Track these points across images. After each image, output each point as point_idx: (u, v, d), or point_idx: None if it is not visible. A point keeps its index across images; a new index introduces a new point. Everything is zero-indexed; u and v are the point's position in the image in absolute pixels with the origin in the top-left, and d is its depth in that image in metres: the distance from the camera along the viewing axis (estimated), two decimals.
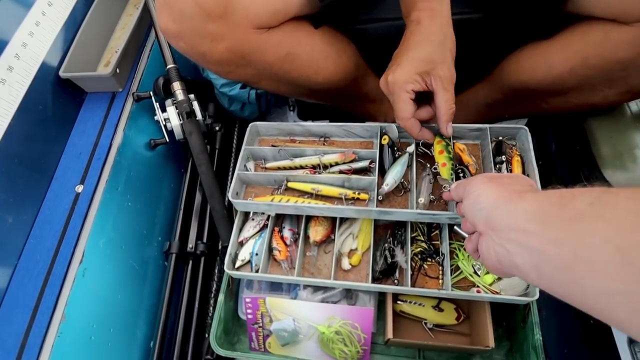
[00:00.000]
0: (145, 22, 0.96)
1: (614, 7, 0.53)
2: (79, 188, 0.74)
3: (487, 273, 0.63)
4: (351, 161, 0.69)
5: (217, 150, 0.96)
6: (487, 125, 0.65)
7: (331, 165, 0.70)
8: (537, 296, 0.58)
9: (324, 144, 0.74)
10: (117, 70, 0.84)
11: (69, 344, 0.63)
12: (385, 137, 0.67)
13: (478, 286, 0.62)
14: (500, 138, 0.66)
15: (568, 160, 0.69)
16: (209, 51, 0.61)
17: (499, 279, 0.62)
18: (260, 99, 1.00)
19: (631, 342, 0.56)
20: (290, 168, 0.71)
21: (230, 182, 0.74)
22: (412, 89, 0.54)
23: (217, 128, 0.96)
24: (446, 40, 0.54)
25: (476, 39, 0.58)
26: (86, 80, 0.84)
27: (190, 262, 0.88)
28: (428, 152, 0.67)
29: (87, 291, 0.68)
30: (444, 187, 0.61)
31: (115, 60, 0.83)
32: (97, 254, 0.72)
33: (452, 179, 0.61)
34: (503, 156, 0.63)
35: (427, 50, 0.53)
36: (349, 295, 0.72)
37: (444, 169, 0.62)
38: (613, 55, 0.55)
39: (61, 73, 0.80)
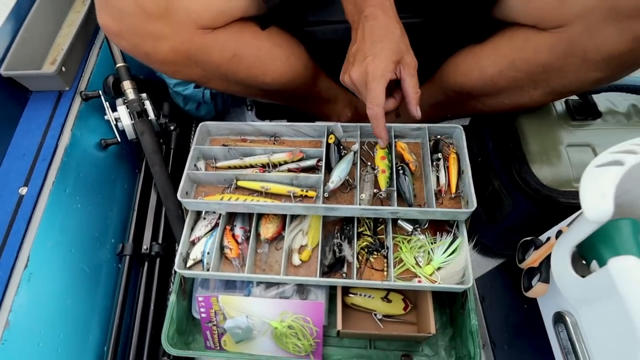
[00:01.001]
0: (94, 18, 0.93)
1: (532, 14, 0.58)
2: (23, 190, 0.72)
3: (428, 264, 0.66)
4: (299, 160, 0.70)
5: (172, 151, 0.95)
6: (426, 125, 0.69)
7: (280, 164, 0.71)
8: (471, 284, 0.62)
9: (274, 144, 0.75)
10: (63, 69, 0.82)
11: (14, 352, 0.61)
12: (332, 136, 0.70)
13: (419, 276, 0.66)
14: (438, 137, 0.70)
15: (502, 157, 0.73)
16: (153, 51, 0.61)
17: (439, 269, 0.66)
18: (216, 98, 1.00)
19: (555, 322, 0.61)
20: (241, 167, 0.72)
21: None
22: (390, 78, 0.57)
23: (172, 128, 0.95)
24: (403, 31, 0.59)
25: (417, 43, 0.61)
26: (30, 79, 0.81)
27: (146, 263, 0.87)
28: (371, 152, 0.70)
29: (33, 296, 0.66)
30: (380, 193, 0.64)
31: (60, 57, 0.81)
32: (43, 258, 0.70)
33: (391, 187, 0.65)
34: (439, 154, 0.67)
35: (394, 41, 0.57)
36: (301, 290, 0.74)
37: (383, 177, 0.65)
38: (534, 58, 0.60)
39: (2, 71, 0.77)
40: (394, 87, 0.61)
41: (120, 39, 0.61)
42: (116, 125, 0.87)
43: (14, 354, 0.61)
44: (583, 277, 0.44)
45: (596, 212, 0.36)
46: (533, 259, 0.64)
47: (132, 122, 0.85)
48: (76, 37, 0.85)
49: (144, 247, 0.87)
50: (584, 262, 0.48)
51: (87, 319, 0.79)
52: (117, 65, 0.86)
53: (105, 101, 0.85)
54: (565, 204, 0.66)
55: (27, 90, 0.84)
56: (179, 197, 0.66)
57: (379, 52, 0.56)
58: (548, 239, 0.62)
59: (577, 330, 0.55)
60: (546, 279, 0.61)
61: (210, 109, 1.02)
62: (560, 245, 0.48)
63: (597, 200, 0.36)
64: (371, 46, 0.57)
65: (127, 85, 0.85)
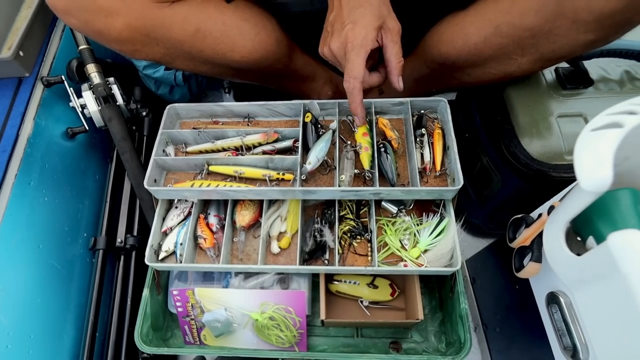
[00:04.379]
0: None
1: None
2: None
3: (414, 247, 0.63)
4: (274, 141, 0.66)
5: (145, 138, 0.90)
6: (409, 99, 0.65)
7: (254, 146, 0.67)
8: (459, 266, 0.59)
9: (248, 125, 0.71)
10: (21, 53, 0.76)
11: None
12: (308, 114, 0.65)
13: (405, 260, 0.62)
14: (422, 111, 0.66)
15: (490, 131, 0.69)
16: (106, 28, 0.56)
17: (425, 252, 0.62)
18: (189, 80, 0.94)
19: (549, 303, 0.58)
20: (212, 151, 0.68)
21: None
22: (372, 47, 0.53)
23: (144, 113, 0.90)
24: None
25: (399, 12, 0.56)
26: None
27: (122, 257, 0.83)
28: (351, 129, 0.66)
29: None
30: (367, 173, 0.60)
31: (17, 41, 0.75)
32: (8, 255, 0.67)
33: (373, 167, 0.61)
34: (423, 129, 0.63)
35: (374, 4, 0.53)
36: (282, 279, 0.70)
37: (365, 155, 0.61)
38: (521, 22, 0.55)
39: None
40: (378, 60, 0.57)
41: (69, 17, 0.56)
42: (82, 112, 0.82)
43: None
44: (579, 255, 0.40)
45: (593, 181, 0.32)
46: (524, 237, 0.61)
47: (99, 108, 0.80)
48: (33, 19, 0.79)
49: (118, 240, 0.82)
50: (578, 238, 0.44)
51: (60, 317, 0.75)
52: (80, 48, 0.81)
53: (70, 87, 0.80)
54: (557, 178, 0.63)
55: None
56: (145, 185, 0.62)
57: (359, 19, 0.52)
58: (539, 215, 0.59)
59: (571, 311, 0.52)
60: (538, 258, 0.57)
61: (184, 93, 0.97)
62: (552, 221, 0.45)
63: (594, 167, 0.32)
64: (350, 12, 0.52)
65: (91, 69, 0.80)
